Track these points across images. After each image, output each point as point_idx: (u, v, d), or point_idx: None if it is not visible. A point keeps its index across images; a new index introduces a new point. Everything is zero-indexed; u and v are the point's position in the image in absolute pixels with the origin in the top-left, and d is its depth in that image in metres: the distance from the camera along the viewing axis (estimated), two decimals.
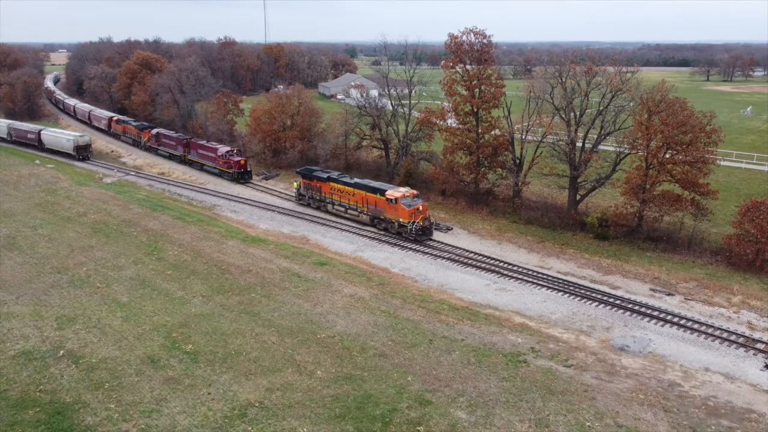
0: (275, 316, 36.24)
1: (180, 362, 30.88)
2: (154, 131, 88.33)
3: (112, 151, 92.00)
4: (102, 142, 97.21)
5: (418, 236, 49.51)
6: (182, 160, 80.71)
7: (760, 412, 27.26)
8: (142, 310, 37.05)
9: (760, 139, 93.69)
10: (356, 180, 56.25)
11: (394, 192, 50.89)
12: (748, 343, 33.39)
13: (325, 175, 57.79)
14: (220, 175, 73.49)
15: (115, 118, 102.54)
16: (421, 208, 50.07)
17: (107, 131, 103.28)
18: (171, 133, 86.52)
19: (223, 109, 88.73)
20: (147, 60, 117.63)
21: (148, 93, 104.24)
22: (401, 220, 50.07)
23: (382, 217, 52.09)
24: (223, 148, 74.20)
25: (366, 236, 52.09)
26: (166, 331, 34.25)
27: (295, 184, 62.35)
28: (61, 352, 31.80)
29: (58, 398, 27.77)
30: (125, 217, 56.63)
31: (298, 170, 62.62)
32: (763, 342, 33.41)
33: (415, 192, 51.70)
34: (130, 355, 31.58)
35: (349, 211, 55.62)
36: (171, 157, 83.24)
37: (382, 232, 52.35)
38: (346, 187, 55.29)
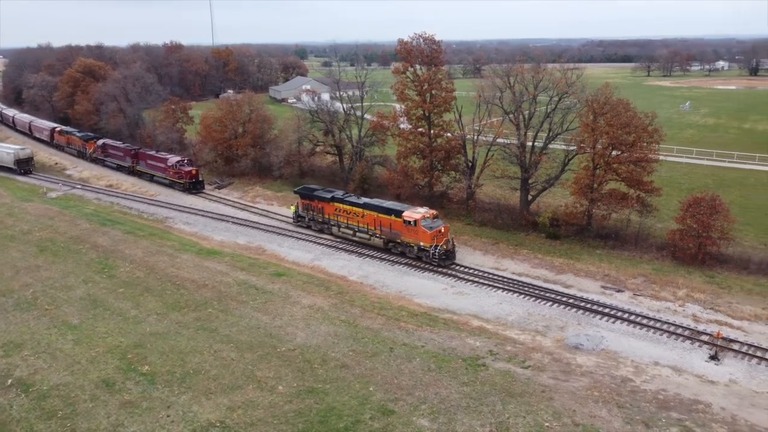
0: (234, 331, 35.82)
1: (136, 384, 30.20)
2: (100, 142, 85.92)
3: (56, 164, 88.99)
4: (45, 155, 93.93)
5: (442, 261, 45.77)
6: (131, 171, 78.75)
7: (707, 402, 28.53)
8: (95, 331, 36.02)
9: (698, 133, 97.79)
10: (366, 200, 52.14)
11: (413, 213, 46.86)
12: (693, 336, 34.92)
13: (328, 195, 53.44)
14: (171, 185, 72.02)
15: (58, 129, 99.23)
16: (443, 230, 46.48)
17: (50, 143, 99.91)
18: (118, 143, 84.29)
19: (172, 117, 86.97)
20: (90, 67, 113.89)
21: (92, 102, 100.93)
22: (422, 243, 46.14)
23: (398, 241, 48.19)
24: (173, 158, 72.75)
25: (323, 244, 52.00)
26: (121, 352, 33.41)
27: (292, 207, 58.08)
28: (9, 380, 30.64)
29: (8, 430, 26.76)
30: (73, 233, 54.88)
31: (295, 190, 57.90)
32: (707, 334, 34.98)
33: (434, 212, 48.10)
34: (84, 380, 30.69)
35: (358, 234, 51.29)
36: (119, 169, 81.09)
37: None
38: (354, 208, 51.09)
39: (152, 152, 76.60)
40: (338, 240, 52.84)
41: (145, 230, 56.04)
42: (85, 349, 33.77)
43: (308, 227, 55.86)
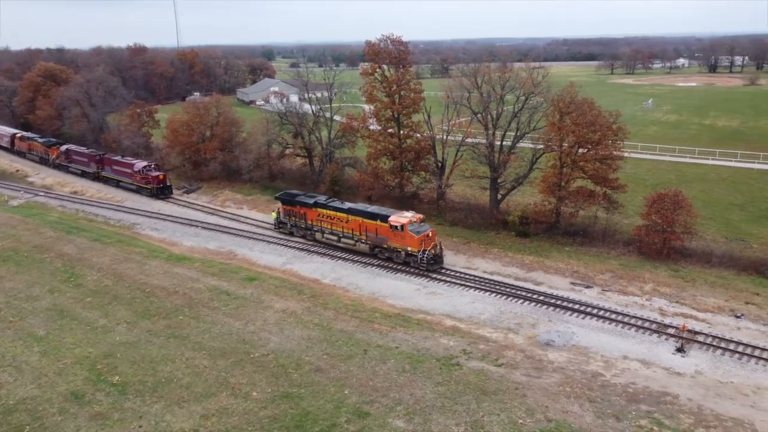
0: (206, 338, 35.40)
1: (107, 396, 29.63)
2: (64, 147, 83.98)
3: (18, 171, 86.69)
4: (5, 161, 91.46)
5: (430, 266, 45.16)
6: (96, 177, 77.14)
7: (674, 394, 29.29)
8: (62, 342, 35.22)
9: (661, 130, 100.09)
10: (350, 205, 50.80)
11: (399, 218, 46.04)
12: (660, 329, 35.80)
13: (311, 201, 52.19)
14: (138, 191, 70.81)
15: (18, 135, 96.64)
16: (430, 234, 45.79)
17: (10, 149, 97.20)
18: (82, 148, 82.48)
19: (138, 121, 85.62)
20: (51, 71, 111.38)
21: (54, 107, 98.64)
22: (409, 248, 45.52)
23: (384, 246, 47.37)
24: (140, 163, 71.54)
25: (294, 248, 51.75)
26: (90, 363, 32.74)
27: (273, 213, 56.36)
28: None
29: None
30: (37, 242, 53.54)
31: (276, 195, 56.49)
32: (673, 327, 35.88)
33: (421, 216, 47.48)
34: (52, 392, 29.99)
35: (342, 239, 50.23)
36: (84, 175, 79.38)
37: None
38: (338, 213, 49.97)
39: (118, 157, 75.17)
40: (310, 243, 52.65)
41: (113, 237, 55.01)
42: (52, 361, 33.01)
43: (290, 234, 54.52)
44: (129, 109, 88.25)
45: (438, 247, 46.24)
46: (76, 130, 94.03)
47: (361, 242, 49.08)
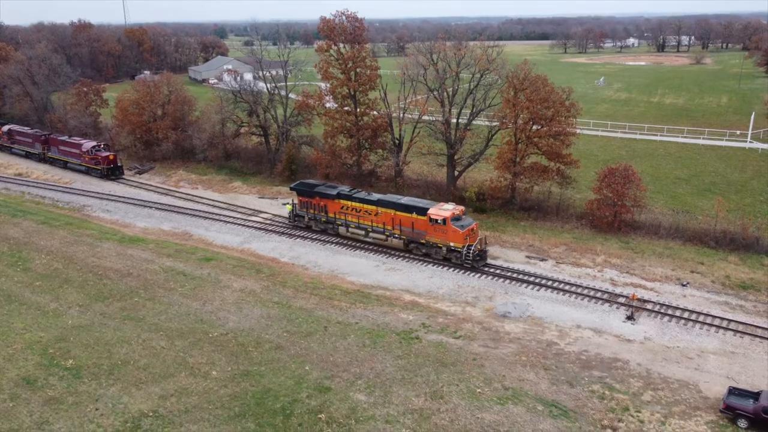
0: (162, 319, 34.87)
1: (60, 380, 28.95)
2: (6, 128, 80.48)
3: None
4: None
5: (476, 262, 41.74)
6: (42, 159, 74.27)
7: (624, 359, 30.50)
8: (11, 327, 34.12)
9: (612, 107, 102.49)
10: (379, 197, 46.60)
11: (440, 211, 42.32)
12: (611, 299, 37.06)
13: (333, 192, 47.83)
14: (87, 172, 68.53)
15: None
16: (474, 228, 42.48)
17: None
18: (26, 129, 79.26)
19: (85, 99, 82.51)
20: None
21: None
22: (452, 244, 42.01)
23: (422, 241, 43.85)
24: (88, 143, 69.16)
25: (252, 227, 51.19)
26: (41, 347, 31.87)
27: (288, 206, 51.94)
28: None
29: None
30: None
31: (291, 186, 51.42)
32: (623, 296, 37.20)
33: (462, 208, 43.77)
34: (2, 378, 29.10)
35: (371, 234, 46.31)
36: (28, 156, 76.32)
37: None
38: (366, 206, 46.03)
39: (65, 138, 72.47)
40: (267, 222, 52.12)
41: (62, 220, 53.25)
42: (1, 347, 31.96)
43: (308, 227, 50.35)
44: (75, 87, 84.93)
45: (483, 241, 43.16)
46: (18, 110, 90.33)
47: (394, 237, 45.49)
